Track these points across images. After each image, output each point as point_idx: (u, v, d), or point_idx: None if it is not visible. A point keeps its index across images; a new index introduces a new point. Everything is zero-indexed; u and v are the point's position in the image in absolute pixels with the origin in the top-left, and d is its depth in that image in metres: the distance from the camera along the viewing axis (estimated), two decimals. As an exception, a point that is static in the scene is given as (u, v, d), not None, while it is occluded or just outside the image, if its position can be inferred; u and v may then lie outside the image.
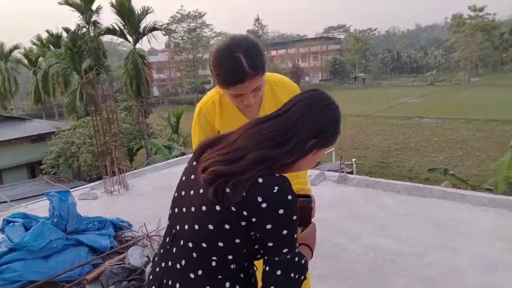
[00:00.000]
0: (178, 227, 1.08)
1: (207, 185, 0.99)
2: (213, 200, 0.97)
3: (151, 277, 1.15)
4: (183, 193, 1.10)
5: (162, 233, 3.34)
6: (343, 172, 4.67)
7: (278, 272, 0.98)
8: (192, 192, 1.06)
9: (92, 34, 17.67)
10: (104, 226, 3.19)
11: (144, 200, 4.47)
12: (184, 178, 1.14)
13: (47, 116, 28.63)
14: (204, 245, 1.01)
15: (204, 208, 1.00)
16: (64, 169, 14.30)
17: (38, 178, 14.16)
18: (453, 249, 2.88)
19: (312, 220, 1.24)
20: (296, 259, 1.01)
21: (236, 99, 1.32)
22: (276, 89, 1.48)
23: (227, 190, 0.95)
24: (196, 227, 1.01)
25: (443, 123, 24.79)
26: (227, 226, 0.97)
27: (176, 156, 10.63)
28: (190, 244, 1.03)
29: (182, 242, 1.05)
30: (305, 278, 1.06)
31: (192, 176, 1.09)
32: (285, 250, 0.98)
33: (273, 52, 49.46)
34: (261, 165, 0.96)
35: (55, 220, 2.83)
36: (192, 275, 1.02)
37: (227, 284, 1.02)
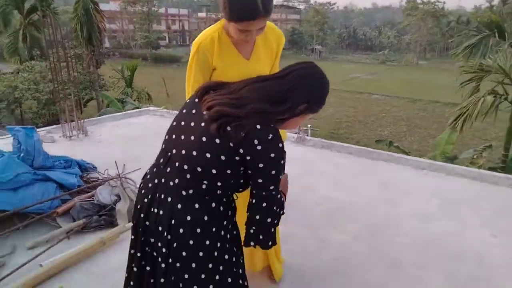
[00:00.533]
0: (174, 151, 1.21)
1: (210, 121, 1.12)
2: (214, 134, 1.11)
3: (142, 191, 1.28)
4: (182, 123, 1.23)
5: (129, 176, 3.39)
6: (300, 134, 4.95)
7: (264, 204, 1.16)
8: (192, 124, 1.19)
9: (38, -30, 16.10)
10: (70, 165, 3.19)
11: (104, 147, 4.44)
12: (184, 111, 1.26)
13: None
14: (199, 169, 1.15)
15: (204, 138, 1.13)
16: (6, 114, 13.36)
17: (-25, 123, 13.13)
18: (394, 203, 3.28)
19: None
20: (279, 196, 1.19)
21: (241, 33, 1.43)
22: (267, 31, 1.61)
23: (229, 129, 1.09)
24: (194, 153, 1.15)
25: (391, 100, 26.24)
26: (222, 157, 1.12)
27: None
28: (186, 167, 1.17)
29: (177, 164, 1.19)
30: (283, 213, 1.24)
31: (194, 111, 1.21)
32: (271, 187, 1.15)
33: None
34: (260, 115, 1.12)
35: (22, 155, 2.80)
36: (183, 192, 1.17)
37: (213, 204, 1.19)
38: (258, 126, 1.10)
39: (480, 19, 10.93)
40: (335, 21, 65.88)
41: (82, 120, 4.94)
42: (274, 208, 1.17)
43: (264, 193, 1.15)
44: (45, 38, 5.30)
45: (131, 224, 1.39)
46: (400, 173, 3.97)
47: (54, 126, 5.12)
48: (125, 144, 4.44)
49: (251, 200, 1.18)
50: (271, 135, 1.11)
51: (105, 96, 14.53)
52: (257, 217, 1.16)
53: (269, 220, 1.17)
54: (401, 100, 26.14)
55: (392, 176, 3.88)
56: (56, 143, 4.51)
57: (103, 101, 14.99)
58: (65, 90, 5.22)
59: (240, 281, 1.31)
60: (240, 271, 1.32)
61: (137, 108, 11.64)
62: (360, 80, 34.18)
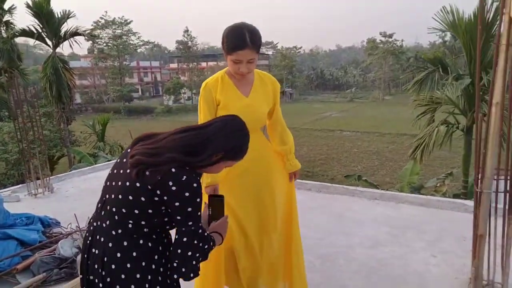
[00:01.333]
0: (107, 196, 1.39)
1: (131, 167, 1.31)
2: (135, 179, 1.29)
3: (86, 234, 1.45)
4: (115, 171, 1.43)
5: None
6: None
7: (184, 239, 1.30)
8: (121, 171, 1.38)
9: (4, 35, 16.40)
10: (32, 222, 3.27)
11: (71, 201, 4.51)
12: (118, 160, 1.47)
13: None
14: (124, 210, 1.32)
15: (127, 183, 1.32)
16: (-27, 178, 13.03)
17: None
18: (347, 233, 3.49)
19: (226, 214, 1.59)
20: (200, 231, 1.33)
21: (235, 65, 1.86)
22: (263, 77, 2.09)
23: (147, 173, 1.27)
24: (120, 196, 1.33)
25: (361, 136, 27.19)
26: (142, 199, 1.29)
27: (102, 163, 10.37)
28: (114, 209, 1.34)
29: (108, 207, 1.36)
30: (209, 248, 1.38)
31: (124, 160, 1.42)
32: (190, 223, 1.30)
33: (203, 64, 49.64)
34: (174, 163, 1.29)
35: (-18, 215, 2.89)
36: (113, 232, 1.34)
37: (141, 241, 1.34)
38: (173, 170, 1.27)
39: (424, 56, 11.87)
40: (303, 63, 69.04)
41: (48, 178, 5.02)
42: (195, 242, 1.31)
43: (183, 228, 1.29)
44: (13, 98, 5.40)
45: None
46: (354, 205, 4.22)
47: (20, 185, 5.16)
48: (92, 197, 4.46)
49: (175, 236, 1.33)
50: (185, 177, 1.27)
51: (76, 152, 14.46)
52: (179, 251, 1.30)
53: (189, 253, 1.30)
54: (371, 135, 27.15)
55: (346, 208, 4.12)
56: (21, 202, 4.55)
57: (75, 157, 14.90)
58: (34, 149, 5.27)
59: None
60: None
61: (109, 161, 11.69)
62: (331, 118, 35.38)
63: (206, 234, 1.37)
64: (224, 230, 1.55)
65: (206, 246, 1.36)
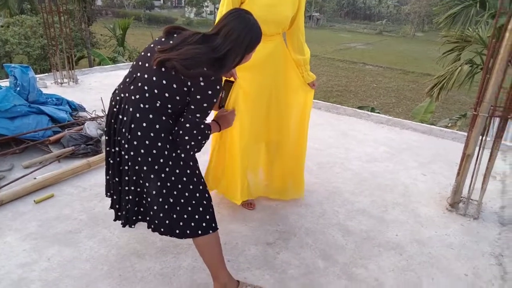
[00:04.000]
0: (139, 74, 1.58)
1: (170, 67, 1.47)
2: (170, 68, 1.48)
3: (112, 103, 1.67)
4: (148, 54, 1.60)
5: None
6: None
7: (187, 125, 1.54)
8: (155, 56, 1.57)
9: None
10: (61, 103, 3.57)
11: (94, 93, 4.80)
12: (152, 45, 1.63)
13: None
14: (155, 91, 1.52)
15: (163, 69, 1.50)
16: (-3, 68, 13.45)
17: (-34, 74, 13.20)
18: (347, 148, 3.74)
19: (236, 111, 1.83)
20: (202, 125, 1.57)
21: None
22: None
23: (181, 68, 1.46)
24: (154, 78, 1.52)
25: (383, 71, 26.43)
26: (174, 86, 1.50)
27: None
28: (146, 88, 1.54)
29: (139, 84, 1.56)
30: (204, 141, 1.62)
31: (158, 46, 1.58)
32: (198, 115, 1.54)
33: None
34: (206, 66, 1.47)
35: (18, 89, 3.17)
36: (141, 105, 1.55)
37: (163, 118, 1.56)
38: (205, 69, 1.47)
39: (464, -13, 11.07)
40: (335, -13, 64.43)
41: (73, 70, 5.26)
42: (194, 132, 1.56)
43: (190, 116, 1.54)
44: None
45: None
46: (359, 126, 4.42)
47: (46, 74, 5.43)
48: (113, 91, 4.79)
49: (180, 119, 1.56)
50: (213, 78, 1.49)
51: (96, 54, 14.62)
52: (180, 132, 1.55)
53: (186, 138, 1.55)
54: (394, 72, 26.34)
55: (351, 128, 4.33)
56: (48, 88, 4.86)
57: (95, 59, 15.07)
58: (57, 45, 5.34)
59: (194, 178, 1.67)
60: (191, 170, 1.68)
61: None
62: (355, 50, 34.08)
63: (206, 129, 1.60)
64: (225, 123, 1.81)
65: (201, 138, 1.61)
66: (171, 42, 1.53)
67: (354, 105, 18.83)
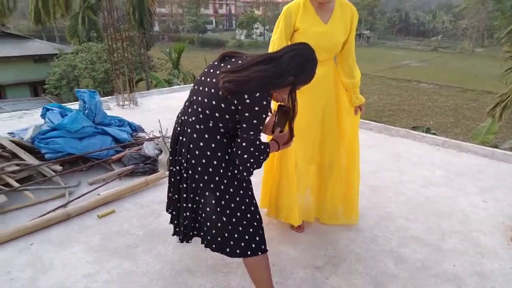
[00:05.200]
0: (195, 97, 1.70)
1: (223, 89, 1.52)
2: (219, 88, 1.56)
3: (176, 125, 1.80)
4: (203, 78, 1.72)
5: (169, 135, 3.98)
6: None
7: (244, 144, 1.59)
8: (208, 79, 1.67)
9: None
10: (123, 124, 3.86)
11: (152, 114, 5.11)
12: (206, 70, 1.75)
13: (46, 38, 28.28)
14: (207, 112, 1.62)
15: (213, 90, 1.60)
16: (66, 91, 14.75)
17: (40, 97, 14.63)
18: (401, 171, 3.63)
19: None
20: (257, 142, 1.60)
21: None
22: (344, 6, 2.18)
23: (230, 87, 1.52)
24: (206, 100, 1.63)
25: (440, 89, 25.30)
26: (222, 105, 1.57)
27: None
28: (200, 109, 1.65)
29: (195, 106, 1.67)
30: (264, 158, 1.65)
31: (212, 70, 1.68)
32: (251, 132, 1.57)
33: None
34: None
35: (86, 112, 3.48)
36: (197, 126, 1.65)
37: (218, 137, 1.64)
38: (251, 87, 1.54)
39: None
40: (386, 4, 63.31)
41: (133, 93, 5.65)
42: (251, 149, 1.59)
43: (245, 135, 1.58)
44: (104, 20, 5.91)
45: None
46: (413, 148, 4.26)
47: (109, 97, 5.87)
48: (169, 112, 5.04)
49: (236, 139, 1.61)
50: (258, 94, 1.52)
51: (153, 77, 15.53)
52: (239, 152, 1.59)
53: (245, 156, 1.59)
54: (451, 90, 25.10)
55: (405, 150, 4.19)
56: (111, 110, 5.25)
57: (152, 81, 16.03)
58: (119, 69, 5.79)
59: (246, 199, 1.73)
60: (244, 190, 1.74)
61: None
62: (408, 67, 33.04)
63: (262, 146, 1.64)
64: (282, 140, 1.82)
65: (259, 155, 1.63)
66: (239, 62, 1.59)
67: (407, 125, 18.11)
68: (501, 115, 8.52)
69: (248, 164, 1.63)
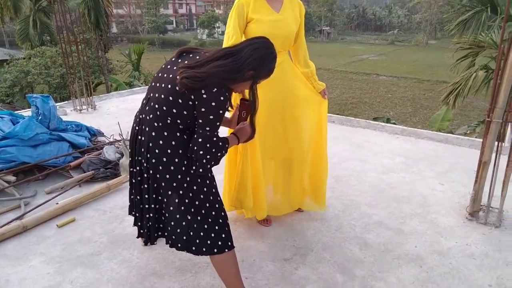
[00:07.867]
0: (152, 94, 1.66)
1: (181, 86, 1.49)
2: (176, 83, 1.52)
3: (134, 124, 1.75)
4: (160, 74, 1.68)
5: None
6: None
7: (200, 140, 1.55)
8: (165, 75, 1.63)
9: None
10: (80, 129, 3.71)
11: (111, 118, 4.95)
12: (163, 66, 1.71)
13: (-6, 44, 26.73)
14: (164, 108, 1.58)
15: (169, 86, 1.56)
16: (19, 98, 14.00)
17: (-9, 106, 13.77)
18: (363, 160, 3.73)
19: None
20: (214, 138, 1.56)
21: None
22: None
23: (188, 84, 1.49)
24: (163, 96, 1.58)
25: (398, 81, 26.25)
26: (180, 101, 1.54)
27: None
28: (157, 106, 1.60)
29: (152, 103, 1.63)
30: (221, 154, 1.62)
31: (169, 66, 1.65)
32: (207, 128, 1.54)
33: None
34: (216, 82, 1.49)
35: (40, 118, 3.32)
36: (155, 124, 1.61)
37: (178, 134, 1.61)
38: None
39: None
40: (344, 0, 65.04)
41: (91, 97, 5.45)
42: (207, 145, 1.56)
43: (201, 131, 1.55)
44: (56, 23, 5.63)
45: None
46: (374, 137, 4.40)
47: (66, 101, 5.63)
48: (130, 116, 4.89)
49: (193, 136, 1.58)
50: (216, 89, 1.49)
51: (113, 80, 15.07)
52: (194, 148, 1.56)
53: (201, 152, 1.56)
54: (408, 81, 26.11)
55: (366, 139, 4.32)
56: (68, 115, 5.04)
57: (112, 84, 15.54)
58: (75, 73, 5.54)
59: (211, 196, 1.70)
60: (208, 188, 1.71)
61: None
62: (368, 61, 34.01)
63: (220, 142, 1.61)
64: (243, 135, 1.81)
65: (216, 151, 1.60)
66: (197, 57, 1.56)
67: (369, 117, 18.62)
68: (454, 103, 8.91)
69: (205, 161, 1.59)
